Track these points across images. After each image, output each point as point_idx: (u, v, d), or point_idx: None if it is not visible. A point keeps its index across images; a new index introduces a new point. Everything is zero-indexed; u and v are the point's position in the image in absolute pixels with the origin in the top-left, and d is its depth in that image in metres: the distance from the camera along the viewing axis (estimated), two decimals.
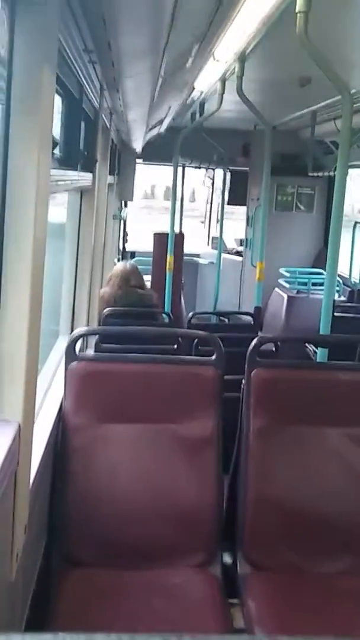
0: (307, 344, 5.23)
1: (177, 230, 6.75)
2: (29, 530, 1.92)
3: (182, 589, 2.37)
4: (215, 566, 2.51)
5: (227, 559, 2.60)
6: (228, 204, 9.16)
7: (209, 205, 11.36)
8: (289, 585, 2.40)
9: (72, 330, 3.66)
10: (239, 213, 9.70)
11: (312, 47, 2.69)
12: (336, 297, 5.90)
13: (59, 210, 3.79)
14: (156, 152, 8.19)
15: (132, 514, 2.52)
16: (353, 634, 2.13)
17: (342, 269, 7.06)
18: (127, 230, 9.42)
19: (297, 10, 2.54)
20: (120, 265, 4.82)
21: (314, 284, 7.03)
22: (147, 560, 2.46)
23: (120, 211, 8.05)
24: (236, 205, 9.41)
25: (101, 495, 2.52)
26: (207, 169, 9.28)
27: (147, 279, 6.57)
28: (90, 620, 2.13)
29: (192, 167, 9.02)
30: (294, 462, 2.58)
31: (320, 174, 7.12)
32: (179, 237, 6.65)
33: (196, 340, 3.61)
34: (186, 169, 9.34)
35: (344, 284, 7.18)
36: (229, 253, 9.59)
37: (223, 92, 4.46)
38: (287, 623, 2.19)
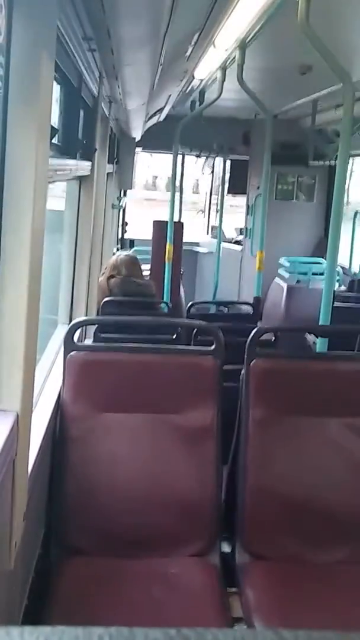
0: (306, 334, 5.23)
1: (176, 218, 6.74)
2: (27, 519, 1.93)
3: (180, 577, 2.38)
4: (214, 555, 2.51)
5: (226, 548, 2.61)
6: (228, 192, 9.13)
7: (208, 194, 11.33)
8: (287, 575, 2.41)
9: (70, 320, 3.65)
10: (239, 206, 9.68)
11: (313, 34, 2.67)
12: (336, 286, 5.90)
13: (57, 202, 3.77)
14: (156, 140, 8.16)
15: (130, 503, 2.52)
16: (352, 623, 2.14)
17: (342, 258, 7.05)
18: (126, 219, 9.40)
19: None
20: (116, 255, 4.79)
21: (314, 274, 7.01)
22: (146, 549, 2.47)
23: (119, 200, 8.03)
24: (236, 194, 9.39)
25: (100, 485, 2.53)
26: (207, 157, 9.24)
27: (147, 267, 6.58)
28: (88, 609, 2.14)
29: (192, 155, 8.99)
30: (292, 452, 2.58)
31: (321, 163, 7.09)
32: (179, 226, 6.63)
33: (195, 330, 3.60)
34: (189, 159, 9.31)
35: (344, 273, 7.17)
36: (228, 242, 9.58)
37: (223, 81, 4.44)
38: (285, 612, 2.20)
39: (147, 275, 5.92)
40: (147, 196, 22.09)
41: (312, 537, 2.53)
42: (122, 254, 4.80)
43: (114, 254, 5.61)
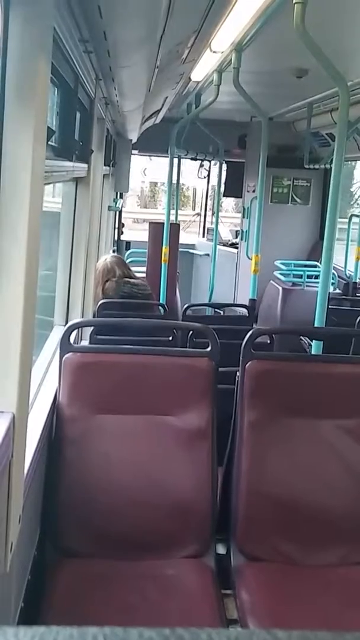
0: (301, 337, 5.24)
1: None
2: (23, 521, 1.93)
3: (175, 579, 2.38)
4: (209, 557, 2.52)
5: (221, 550, 2.61)
6: (224, 195, 9.14)
7: (203, 197, 11.34)
8: (282, 576, 2.41)
9: (66, 321, 3.65)
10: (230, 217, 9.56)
11: (309, 38, 2.68)
12: (331, 289, 5.91)
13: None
14: (152, 143, 8.17)
15: (126, 505, 2.52)
16: (345, 624, 2.14)
17: (337, 261, 7.07)
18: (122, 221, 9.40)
19: (294, 1, 2.53)
20: (101, 261, 4.72)
21: (309, 277, 7.03)
22: (141, 551, 2.47)
23: (116, 202, 8.03)
24: (232, 197, 9.40)
25: (95, 486, 2.53)
26: (202, 160, 9.25)
27: (142, 269, 6.58)
28: (84, 611, 2.14)
29: (188, 158, 9.00)
30: (287, 453, 2.58)
31: (316, 166, 7.11)
32: (175, 228, 6.64)
33: (191, 333, 3.60)
34: (188, 165, 9.31)
35: (338, 276, 7.18)
36: (224, 245, 9.58)
37: (219, 84, 4.45)
38: (280, 614, 2.20)
39: (142, 278, 5.92)
40: (144, 215, 14.86)
41: (307, 538, 2.53)
42: (108, 257, 4.76)
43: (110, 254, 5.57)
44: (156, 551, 2.48)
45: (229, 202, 9.07)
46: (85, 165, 3.59)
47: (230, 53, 3.80)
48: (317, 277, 5.96)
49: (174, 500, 2.53)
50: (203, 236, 10.78)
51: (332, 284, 6.71)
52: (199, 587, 2.34)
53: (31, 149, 1.63)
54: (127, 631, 0.46)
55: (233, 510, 2.56)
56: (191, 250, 9.84)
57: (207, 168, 10.45)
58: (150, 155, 9.70)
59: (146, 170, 13.54)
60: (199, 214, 11.69)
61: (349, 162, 8.37)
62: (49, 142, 2.21)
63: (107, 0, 1.98)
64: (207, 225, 10.78)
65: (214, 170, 9.79)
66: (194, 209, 16.76)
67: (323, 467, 2.60)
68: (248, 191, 8.53)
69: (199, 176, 10.49)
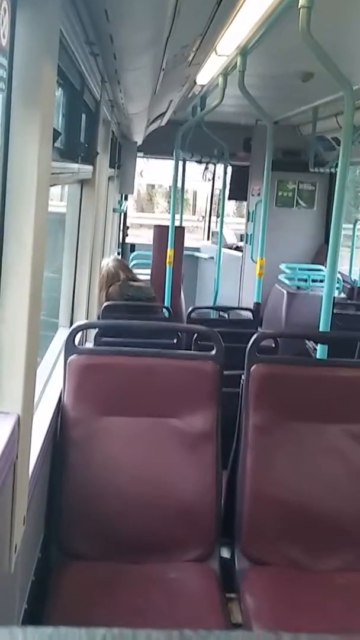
0: (307, 341, 5.23)
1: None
2: (27, 522, 1.92)
3: (180, 583, 2.37)
4: (214, 561, 2.51)
5: (226, 553, 2.60)
6: (229, 198, 9.13)
7: (208, 200, 11.35)
8: (286, 581, 2.40)
9: (71, 323, 3.65)
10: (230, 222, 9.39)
11: (314, 42, 2.68)
12: (336, 294, 5.90)
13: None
14: (157, 145, 8.17)
15: (130, 508, 2.52)
16: (350, 630, 2.13)
17: (342, 265, 7.05)
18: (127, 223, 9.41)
19: (299, 5, 2.53)
20: (104, 264, 4.70)
21: (314, 281, 7.02)
22: (146, 553, 2.47)
23: (121, 205, 8.04)
24: (236, 200, 9.39)
25: (99, 488, 2.52)
26: (207, 163, 9.25)
27: (147, 272, 6.58)
28: (88, 614, 2.14)
29: (193, 161, 9.00)
30: (292, 457, 2.58)
31: (321, 169, 7.10)
32: (180, 231, 6.64)
33: (196, 335, 3.60)
34: (189, 168, 9.31)
35: (344, 281, 7.17)
36: (229, 248, 9.57)
37: (225, 87, 4.45)
38: (284, 618, 2.19)
39: (146, 280, 5.92)
40: (140, 220, 14.19)
41: (312, 543, 2.53)
42: (110, 260, 4.76)
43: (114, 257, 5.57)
44: (161, 554, 2.47)
45: (229, 206, 9.04)
46: (91, 167, 3.59)
47: (236, 56, 3.80)
48: (322, 280, 5.95)
49: (179, 503, 2.52)
50: (208, 239, 10.78)
51: (337, 288, 6.70)
52: (203, 591, 2.34)
53: (37, 151, 1.63)
54: (135, 632, 0.46)
55: (237, 513, 2.55)
56: (196, 254, 9.85)
57: (212, 171, 10.46)
58: (155, 158, 9.68)
59: (142, 172, 13.18)
60: (203, 217, 11.68)
61: (355, 166, 8.36)
62: (55, 144, 2.21)
63: (113, 3, 1.98)
64: (212, 228, 10.78)
65: (219, 172, 9.79)
66: (194, 213, 16.48)
67: (328, 471, 2.59)
68: (253, 194, 8.52)
69: (203, 179, 10.49)
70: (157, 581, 2.36)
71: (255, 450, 2.56)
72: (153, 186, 18.27)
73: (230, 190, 8.98)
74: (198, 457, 2.56)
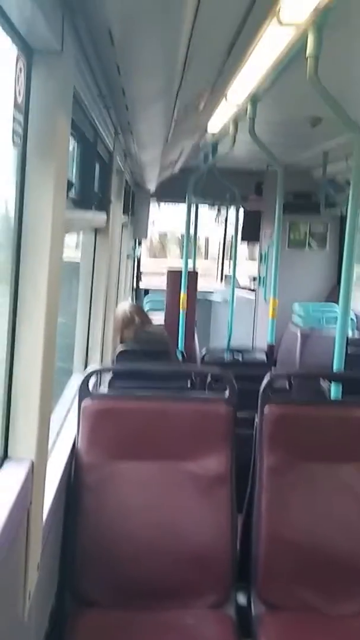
0: (322, 381, 5.20)
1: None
2: (41, 569, 1.92)
3: (196, 629, 2.34)
4: (230, 606, 2.48)
5: (242, 598, 2.57)
6: (242, 240, 9.21)
7: (221, 243, 11.44)
8: (303, 625, 2.36)
9: (85, 368, 3.68)
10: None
11: (322, 88, 2.74)
12: (350, 334, 5.89)
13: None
14: (170, 192, 8.29)
15: (145, 554, 2.50)
16: None
17: (356, 305, 7.05)
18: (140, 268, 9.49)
19: (307, 54, 2.60)
20: (120, 309, 4.73)
21: (327, 320, 7.02)
22: (161, 600, 2.44)
23: (134, 250, 8.13)
24: (249, 241, 9.47)
25: (114, 534, 2.51)
26: (219, 208, 9.35)
27: (161, 316, 6.61)
28: None
29: (206, 204, 9.10)
30: (308, 499, 2.55)
31: (332, 211, 7.16)
32: (193, 275, 6.69)
33: (210, 378, 3.61)
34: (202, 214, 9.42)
35: (357, 320, 7.16)
36: (242, 289, 9.62)
37: (235, 133, 4.53)
38: None
39: (161, 325, 5.94)
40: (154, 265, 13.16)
41: (327, 586, 2.49)
42: (126, 305, 4.78)
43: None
44: (176, 600, 2.44)
45: (242, 251, 9.11)
46: (104, 215, 3.66)
47: (246, 104, 3.88)
48: (335, 320, 5.94)
49: (194, 548, 2.50)
50: (221, 281, 10.83)
51: (351, 327, 6.69)
52: (219, 638, 2.30)
53: (52, 201, 1.67)
54: None
55: (253, 557, 2.53)
56: (209, 297, 9.89)
57: (225, 214, 10.57)
58: (167, 201, 9.78)
59: (154, 221, 13.06)
60: (216, 260, 11.76)
61: None
62: (69, 194, 2.27)
63: (124, 57, 2.05)
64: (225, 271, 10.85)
65: (231, 216, 9.89)
66: (206, 258, 16.61)
67: (344, 513, 2.56)
68: (265, 237, 8.60)
69: (216, 222, 10.59)
70: (173, 628, 2.32)
71: (270, 493, 2.54)
72: (165, 234, 18.54)
73: (242, 232, 9.05)
74: (213, 500, 2.54)
